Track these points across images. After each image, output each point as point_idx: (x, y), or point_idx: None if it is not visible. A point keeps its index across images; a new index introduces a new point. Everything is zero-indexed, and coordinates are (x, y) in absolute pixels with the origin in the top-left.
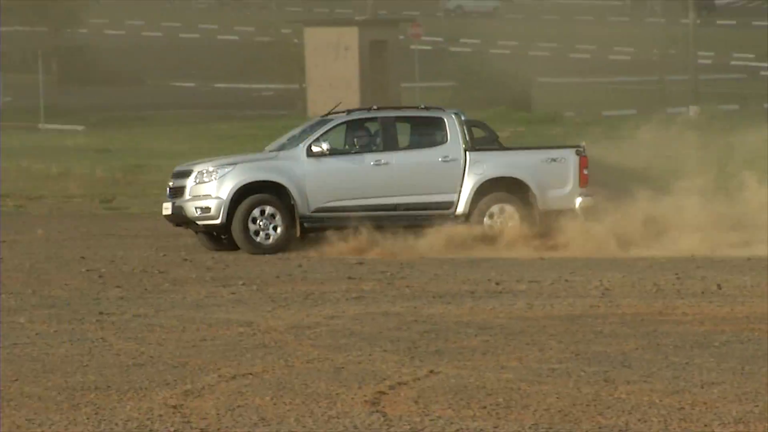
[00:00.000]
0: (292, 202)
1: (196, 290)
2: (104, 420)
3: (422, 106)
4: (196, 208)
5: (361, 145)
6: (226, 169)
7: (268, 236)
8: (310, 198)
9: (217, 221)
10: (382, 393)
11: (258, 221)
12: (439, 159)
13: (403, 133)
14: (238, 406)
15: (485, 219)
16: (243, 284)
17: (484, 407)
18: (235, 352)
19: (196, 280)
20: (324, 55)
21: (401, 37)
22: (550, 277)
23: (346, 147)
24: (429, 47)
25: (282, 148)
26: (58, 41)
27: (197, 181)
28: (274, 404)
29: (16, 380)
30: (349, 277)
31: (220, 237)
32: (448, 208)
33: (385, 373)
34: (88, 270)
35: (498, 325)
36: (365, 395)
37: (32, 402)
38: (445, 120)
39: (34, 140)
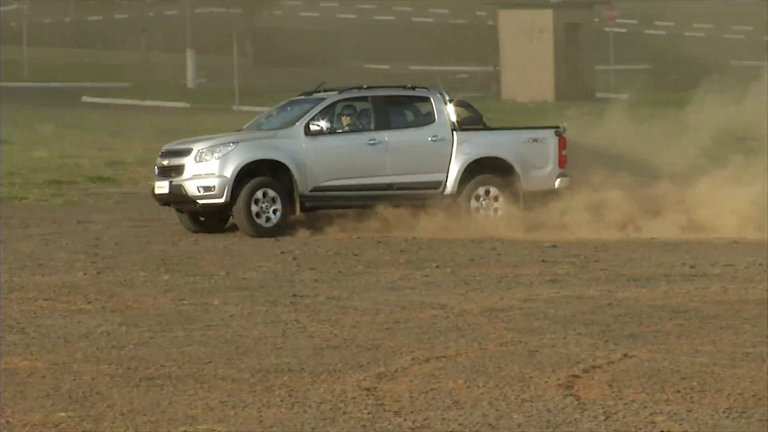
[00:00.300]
0: (293, 181)
1: (389, 272)
2: (297, 402)
3: (408, 86)
4: (198, 187)
5: (354, 124)
6: (229, 148)
7: (268, 219)
8: (309, 177)
9: (221, 200)
10: (576, 377)
11: (260, 203)
12: (429, 138)
13: (393, 113)
14: (431, 389)
15: (472, 200)
16: (437, 267)
17: (678, 391)
18: (429, 334)
19: (389, 263)
20: (518, 38)
21: (596, 19)
22: (745, 261)
23: (339, 126)
24: (623, 30)
25: (259, 127)
26: (252, 23)
27: (198, 159)
28: (468, 387)
29: (210, 362)
30: (543, 261)
31: (201, 218)
32: (436, 188)
33: (579, 357)
34: (282, 252)
35: (692, 308)
36: (559, 379)
37: (226, 384)
38: (432, 99)
39: (227, 122)
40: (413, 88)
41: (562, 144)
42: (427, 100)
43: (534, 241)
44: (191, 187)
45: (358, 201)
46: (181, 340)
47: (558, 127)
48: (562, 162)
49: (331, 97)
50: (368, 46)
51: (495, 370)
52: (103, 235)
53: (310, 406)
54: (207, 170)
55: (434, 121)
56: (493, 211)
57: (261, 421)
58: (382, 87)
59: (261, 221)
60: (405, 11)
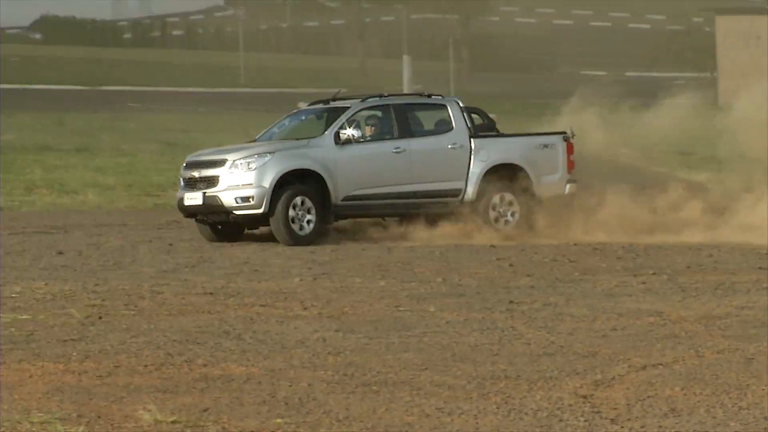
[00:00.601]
0: (327, 191)
1: (606, 279)
2: (513, 409)
3: (425, 93)
4: (236, 198)
5: (378, 133)
6: (266, 158)
7: (301, 227)
8: (340, 186)
9: (260, 210)
10: None
11: (297, 212)
12: (449, 146)
13: (413, 121)
14: (648, 397)
15: (489, 207)
16: (653, 274)
17: None
18: (645, 342)
19: (606, 270)
20: (735, 44)
21: None
22: None
23: (365, 134)
24: None
25: (271, 137)
26: (468, 29)
27: (233, 170)
28: (684, 395)
29: (426, 369)
30: (760, 267)
31: (219, 228)
32: (456, 196)
33: None
34: (498, 259)
35: None
36: None
37: (442, 391)
38: (449, 107)
39: None
40: (429, 95)
41: (570, 149)
42: (443, 107)
43: (752, 248)
44: (228, 198)
45: (387, 210)
46: (397, 347)
47: (565, 133)
48: (570, 167)
49: (355, 105)
50: (584, 52)
51: (712, 378)
52: (317, 241)
53: (526, 414)
54: (244, 181)
55: (452, 128)
56: (510, 217)
57: (477, 428)
58: (401, 95)
59: (296, 230)
60: (622, 17)
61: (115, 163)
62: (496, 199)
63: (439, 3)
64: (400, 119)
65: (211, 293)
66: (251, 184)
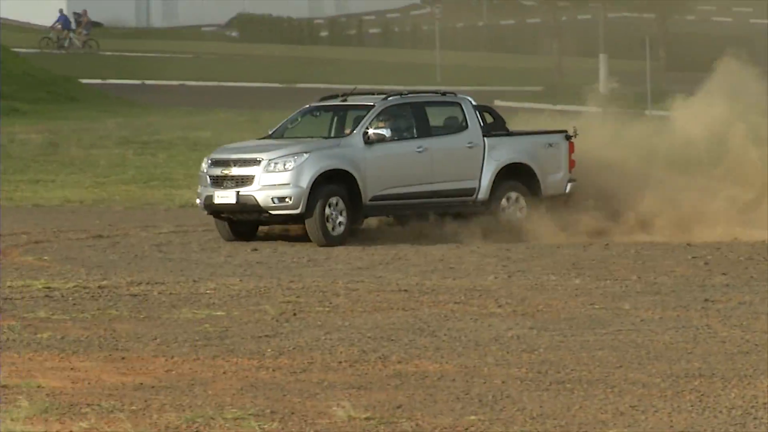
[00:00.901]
0: (358, 191)
1: None
2: (708, 407)
3: (441, 92)
4: (273, 197)
5: (400, 132)
6: (303, 157)
7: (334, 228)
8: (369, 186)
9: (297, 211)
10: None
11: (332, 211)
12: (465, 145)
13: (432, 119)
14: None
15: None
16: None
17: None
18: None
19: None
20: None
21: None
22: None
23: (389, 133)
24: None
25: (283, 134)
26: (665, 27)
27: (269, 169)
28: None
29: (620, 366)
30: None
31: (240, 227)
32: (471, 195)
33: None
34: (693, 257)
35: None
36: None
37: (636, 388)
38: (463, 105)
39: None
40: (444, 93)
41: (571, 148)
42: (458, 105)
43: None
44: (264, 198)
45: (409, 209)
46: (591, 344)
47: (566, 132)
48: (571, 166)
49: (379, 103)
50: None
51: None
52: (515, 239)
53: (720, 412)
54: (281, 180)
55: (467, 127)
56: (519, 214)
57: (671, 426)
58: (418, 93)
59: (330, 230)
60: None
61: None
62: (506, 198)
63: (635, 2)
64: (419, 118)
65: (405, 290)
66: (288, 184)
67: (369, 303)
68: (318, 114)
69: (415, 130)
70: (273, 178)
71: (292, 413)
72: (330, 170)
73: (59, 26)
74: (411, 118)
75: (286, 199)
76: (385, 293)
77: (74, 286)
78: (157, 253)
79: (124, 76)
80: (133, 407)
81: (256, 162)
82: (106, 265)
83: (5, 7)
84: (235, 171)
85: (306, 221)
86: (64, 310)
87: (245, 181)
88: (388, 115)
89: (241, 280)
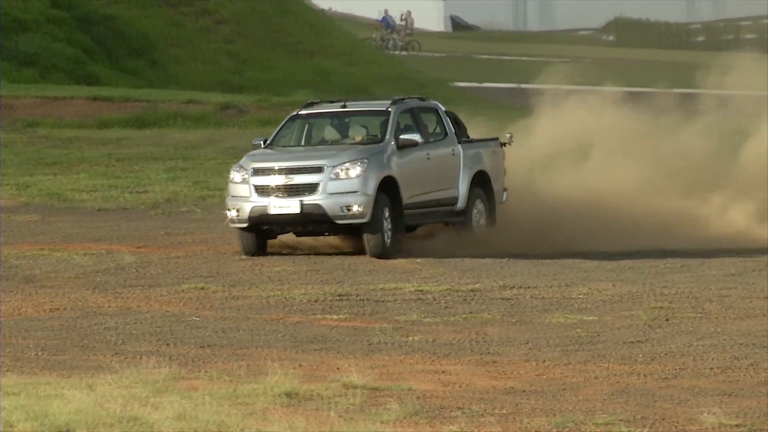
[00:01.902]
0: (400, 199)
1: None
2: None
3: (423, 98)
4: (341, 206)
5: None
6: (365, 164)
7: (388, 236)
8: (403, 194)
9: (364, 219)
10: None
11: (387, 220)
12: (450, 152)
13: (423, 126)
14: None
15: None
16: None
17: None
18: None
19: None
20: None
21: None
22: None
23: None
24: None
25: (274, 141)
26: None
27: (334, 176)
28: None
29: None
30: None
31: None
32: (453, 204)
33: None
34: None
35: None
36: None
37: None
38: (438, 111)
39: None
40: (423, 99)
41: (503, 156)
42: (436, 111)
43: None
44: (332, 207)
45: (419, 219)
46: None
47: (497, 139)
48: (504, 173)
49: (395, 109)
50: None
51: None
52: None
53: None
54: (348, 188)
55: (447, 133)
56: (483, 222)
57: None
58: (411, 98)
59: (386, 240)
60: None
61: None
62: (475, 207)
63: None
64: (418, 125)
65: None
66: (357, 191)
67: (741, 309)
68: (334, 120)
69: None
70: (340, 186)
71: (662, 419)
72: (386, 177)
73: (382, 27)
74: (416, 125)
75: (354, 207)
76: (757, 300)
77: (446, 289)
78: (525, 258)
79: (499, 79)
80: (503, 411)
81: (318, 169)
82: (478, 269)
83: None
84: (298, 179)
85: (366, 229)
86: (436, 313)
87: (308, 189)
88: (404, 120)
89: (613, 285)
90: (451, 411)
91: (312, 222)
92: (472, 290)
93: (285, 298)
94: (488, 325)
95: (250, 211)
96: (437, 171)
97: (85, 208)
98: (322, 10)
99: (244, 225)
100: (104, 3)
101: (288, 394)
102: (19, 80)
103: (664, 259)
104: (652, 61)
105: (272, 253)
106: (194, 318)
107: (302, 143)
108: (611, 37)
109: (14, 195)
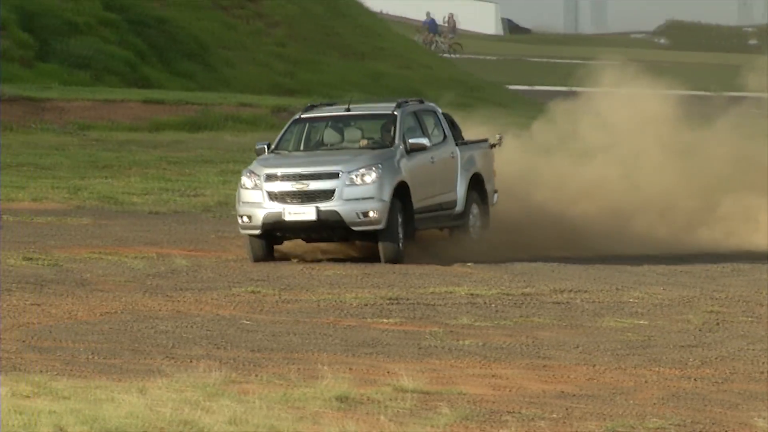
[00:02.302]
0: (411, 204)
1: None
2: None
3: (418, 100)
4: (357, 212)
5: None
6: (379, 169)
7: (401, 242)
8: (414, 198)
9: (380, 226)
10: None
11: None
12: (449, 155)
13: (425, 129)
14: None
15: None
16: None
17: None
18: None
19: None
20: None
21: None
22: None
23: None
24: None
25: (279, 145)
26: None
27: (350, 182)
28: None
29: None
30: None
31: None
32: (453, 207)
33: None
34: None
35: None
36: None
37: None
38: (437, 113)
39: None
40: (421, 101)
41: (493, 158)
42: (435, 114)
43: None
44: (349, 213)
45: (424, 224)
46: None
47: (487, 140)
48: (494, 175)
49: (400, 112)
50: None
51: None
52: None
53: None
54: (365, 194)
55: (446, 136)
56: (479, 224)
57: None
58: (412, 101)
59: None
60: None
61: None
62: (471, 211)
63: None
64: (422, 127)
65: None
66: (372, 197)
67: None
68: (341, 125)
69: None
70: (356, 192)
71: (714, 423)
72: (400, 182)
73: (426, 29)
74: (420, 127)
75: (371, 214)
76: None
77: (498, 293)
78: (577, 262)
79: (551, 82)
80: (554, 415)
81: (334, 175)
82: (530, 272)
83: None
84: (314, 185)
85: (381, 236)
86: (487, 316)
87: (324, 196)
88: (409, 123)
89: (665, 289)
90: (502, 415)
91: (328, 228)
92: (524, 294)
93: (337, 301)
94: (540, 329)
95: (264, 218)
96: (440, 174)
97: (137, 211)
98: (376, 12)
99: (257, 231)
100: (157, 6)
101: (340, 398)
102: (72, 83)
103: (716, 264)
104: (705, 63)
105: (279, 259)
106: (246, 321)
107: (309, 148)
108: (663, 40)
109: (67, 198)
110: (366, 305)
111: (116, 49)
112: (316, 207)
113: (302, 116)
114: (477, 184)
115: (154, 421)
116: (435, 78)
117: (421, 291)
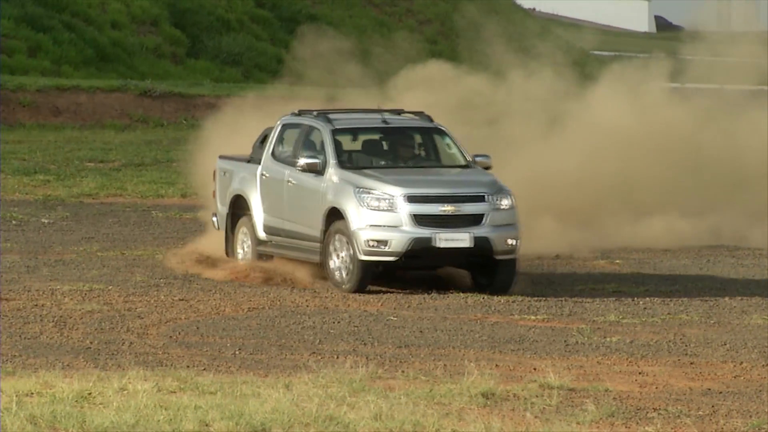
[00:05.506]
0: None
1: None
2: None
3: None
4: (507, 240)
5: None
6: (510, 195)
7: None
8: None
9: (515, 256)
10: None
11: None
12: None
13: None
14: None
15: None
16: None
17: None
18: None
19: None
20: None
21: None
22: None
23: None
24: None
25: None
26: None
27: (495, 207)
28: None
29: None
30: None
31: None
32: None
33: None
34: None
35: None
36: None
37: None
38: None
39: None
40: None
41: None
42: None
43: None
44: (499, 240)
45: None
46: None
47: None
48: None
49: (444, 126)
50: None
51: None
52: None
53: None
54: (507, 220)
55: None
56: None
57: None
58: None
59: None
60: None
61: None
62: None
63: None
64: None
65: None
66: (512, 224)
67: None
68: (350, 135)
69: (426, 157)
70: (500, 218)
71: None
72: None
73: None
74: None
75: (512, 242)
76: None
77: (645, 290)
78: (729, 259)
79: (704, 80)
80: (700, 412)
81: (481, 198)
82: (677, 270)
83: (590, 8)
84: (467, 208)
85: (503, 267)
86: (634, 314)
87: (474, 221)
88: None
89: None
90: (647, 412)
91: (478, 256)
92: (670, 291)
93: (483, 298)
94: (687, 326)
95: (411, 243)
96: None
97: None
98: (530, 10)
99: (393, 258)
100: (309, 3)
101: (485, 395)
102: (222, 80)
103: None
104: None
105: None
106: (392, 318)
107: (381, 164)
108: None
109: None
110: (512, 302)
111: (267, 45)
112: (471, 233)
113: (337, 127)
114: None
115: (299, 417)
116: (584, 75)
117: (567, 288)
